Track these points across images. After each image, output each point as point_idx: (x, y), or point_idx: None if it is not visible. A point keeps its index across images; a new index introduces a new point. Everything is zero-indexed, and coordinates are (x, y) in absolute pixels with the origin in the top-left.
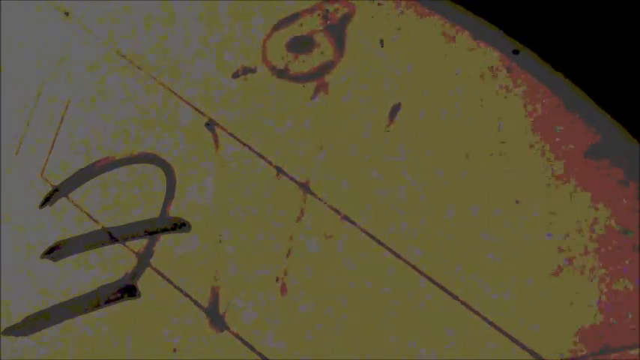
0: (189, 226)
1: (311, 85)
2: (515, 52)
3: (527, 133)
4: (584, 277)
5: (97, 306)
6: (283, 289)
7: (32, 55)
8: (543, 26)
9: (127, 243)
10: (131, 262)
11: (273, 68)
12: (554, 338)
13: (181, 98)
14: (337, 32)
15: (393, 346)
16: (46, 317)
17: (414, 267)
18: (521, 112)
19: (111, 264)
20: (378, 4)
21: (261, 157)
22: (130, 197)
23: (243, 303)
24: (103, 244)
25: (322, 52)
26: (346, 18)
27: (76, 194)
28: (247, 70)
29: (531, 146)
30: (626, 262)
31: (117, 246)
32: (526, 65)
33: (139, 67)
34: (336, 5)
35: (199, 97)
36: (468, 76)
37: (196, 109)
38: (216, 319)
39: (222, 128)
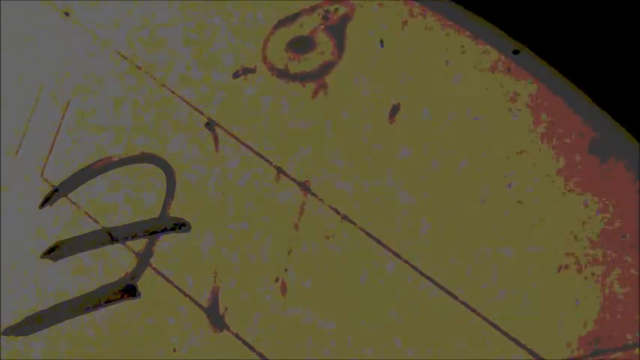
0: (189, 226)
1: (311, 85)
2: (516, 52)
3: (527, 133)
4: (584, 277)
5: (97, 306)
6: (283, 289)
7: (32, 55)
8: (543, 26)
9: (127, 243)
10: (131, 262)
11: (273, 68)
12: (554, 338)
13: (181, 98)
14: (337, 32)
15: (393, 345)
16: (46, 317)
17: (413, 267)
18: (520, 112)
19: (111, 264)
20: (378, 4)
21: (261, 157)
22: (130, 197)
23: (243, 303)
24: (103, 244)
25: (322, 52)
26: (346, 18)
27: (76, 194)
28: (247, 70)
29: (531, 146)
30: (626, 261)
31: (117, 246)
32: (526, 65)
33: (138, 67)
34: (336, 5)
35: (199, 97)
36: (467, 76)
37: (196, 109)
38: (216, 319)
39: (222, 128)
